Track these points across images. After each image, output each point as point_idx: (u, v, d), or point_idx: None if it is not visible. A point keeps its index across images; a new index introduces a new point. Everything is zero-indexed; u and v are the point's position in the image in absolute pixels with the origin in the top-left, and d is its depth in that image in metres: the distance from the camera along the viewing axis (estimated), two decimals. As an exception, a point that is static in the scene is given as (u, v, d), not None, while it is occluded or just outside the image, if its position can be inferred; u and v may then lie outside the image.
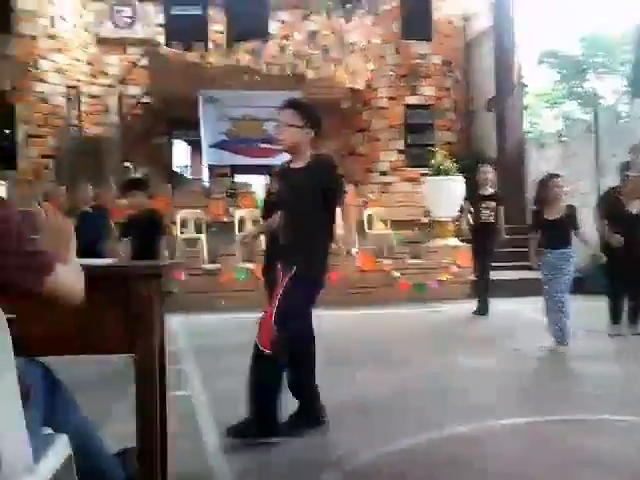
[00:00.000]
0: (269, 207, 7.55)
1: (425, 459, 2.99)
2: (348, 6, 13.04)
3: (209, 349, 5.77)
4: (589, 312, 6.40)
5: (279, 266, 3.36)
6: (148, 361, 1.97)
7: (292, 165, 3.34)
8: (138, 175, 10.68)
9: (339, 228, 3.42)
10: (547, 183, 5.53)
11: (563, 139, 11.89)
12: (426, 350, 5.67)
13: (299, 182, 3.25)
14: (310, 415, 3.35)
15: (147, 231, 5.23)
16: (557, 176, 5.61)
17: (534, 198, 5.76)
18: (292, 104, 3.31)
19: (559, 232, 5.39)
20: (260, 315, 3.29)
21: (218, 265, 8.94)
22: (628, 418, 3.48)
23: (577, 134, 11.39)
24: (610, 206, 6.19)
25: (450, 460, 2.95)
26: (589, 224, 6.60)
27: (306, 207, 3.21)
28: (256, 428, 3.11)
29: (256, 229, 7.68)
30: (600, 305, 6.22)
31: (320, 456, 3.06)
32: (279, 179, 3.54)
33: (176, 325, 6.95)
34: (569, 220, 5.43)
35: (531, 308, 7.06)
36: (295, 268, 3.15)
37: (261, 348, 3.10)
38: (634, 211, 6.04)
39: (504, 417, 3.56)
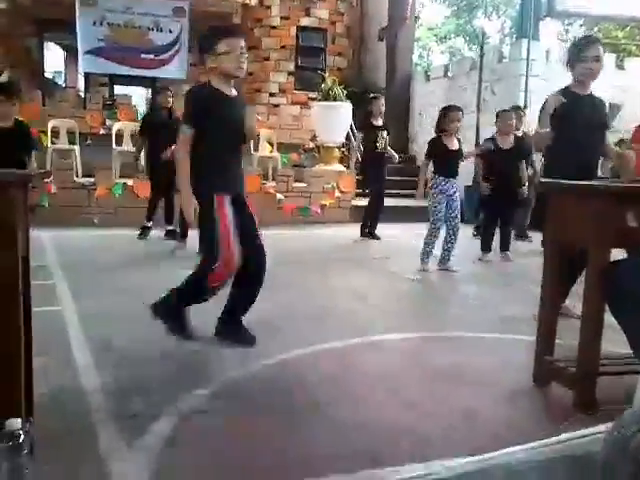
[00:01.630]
0: (149, 125, 7.20)
1: (295, 372, 3.05)
2: None
3: (82, 265, 5.49)
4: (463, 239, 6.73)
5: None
6: (10, 275, 1.82)
7: (227, 93, 3.31)
8: (3, 78, 9.71)
9: None
10: (449, 114, 5.66)
11: (449, 74, 12.15)
12: (309, 272, 5.73)
13: (238, 110, 3.33)
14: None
15: (12, 145, 4.78)
16: (458, 109, 5.78)
17: (435, 127, 5.84)
18: (242, 33, 3.51)
19: (456, 162, 5.70)
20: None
21: (92, 179, 8.44)
22: (487, 335, 3.74)
23: (462, 70, 11.67)
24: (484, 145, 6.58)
25: (320, 372, 3.04)
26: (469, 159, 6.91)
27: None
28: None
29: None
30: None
31: (194, 372, 3.03)
32: (210, 100, 3.29)
33: (47, 240, 6.54)
34: (461, 152, 5.77)
35: (411, 234, 7.35)
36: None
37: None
38: (505, 147, 6.37)
39: (376, 334, 3.70)
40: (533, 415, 2.64)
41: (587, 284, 2.73)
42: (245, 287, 3.39)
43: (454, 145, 5.69)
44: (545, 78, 9.44)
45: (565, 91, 4.10)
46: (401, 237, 7.93)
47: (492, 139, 6.51)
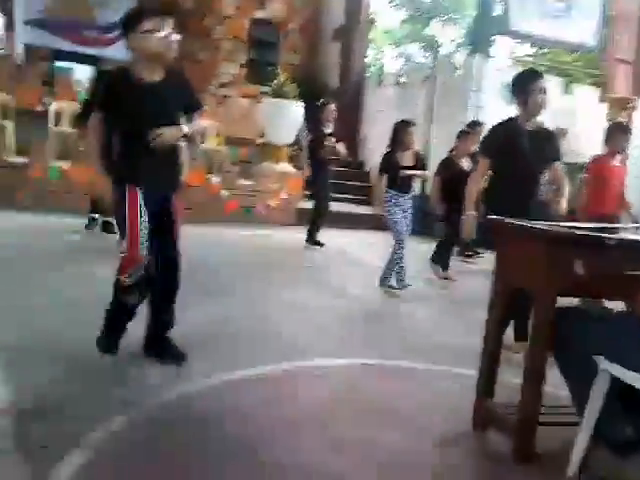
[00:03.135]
0: (89, 107, 6.82)
1: (218, 401, 2.90)
2: None
3: (4, 256, 5.15)
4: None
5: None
6: None
7: (146, 77, 3.05)
8: None
9: None
10: (404, 129, 5.59)
11: (402, 80, 12.16)
12: (248, 278, 5.57)
13: (158, 97, 3.06)
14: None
15: None
16: (412, 124, 5.69)
17: (389, 141, 5.74)
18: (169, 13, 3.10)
19: (410, 178, 5.65)
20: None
21: (26, 160, 7.98)
22: (427, 366, 3.67)
23: (415, 79, 11.70)
24: (444, 166, 6.49)
25: (245, 402, 2.89)
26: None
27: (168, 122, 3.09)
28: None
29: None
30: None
31: (114, 394, 2.83)
32: (123, 85, 3.06)
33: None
34: (420, 167, 5.73)
35: (358, 243, 7.26)
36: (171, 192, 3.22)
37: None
38: (465, 168, 6.29)
39: (312, 358, 3.58)
40: (467, 465, 2.59)
41: (532, 330, 2.71)
42: (157, 302, 3.23)
43: (408, 161, 5.63)
44: (493, 95, 9.53)
45: (510, 123, 4.06)
46: (347, 245, 7.84)
47: (447, 159, 6.51)
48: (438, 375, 3.57)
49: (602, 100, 10.04)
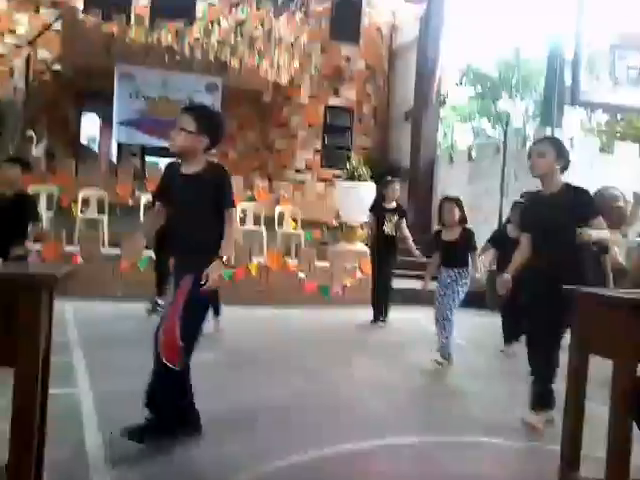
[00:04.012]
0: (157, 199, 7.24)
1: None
2: (280, 1, 12.89)
3: (102, 341, 5.51)
4: (484, 327, 6.63)
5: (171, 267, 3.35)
6: (28, 382, 1.81)
7: (183, 170, 3.26)
8: (40, 149, 10.07)
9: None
10: (442, 206, 5.67)
11: (473, 155, 12.32)
12: (325, 356, 5.68)
13: (190, 189, 3.19)
14: (187, 423, 3.26)
15: (13, 216, 4.84)
16: (449, 200, 5.69)
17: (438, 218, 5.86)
18: (189, 109, 3.27)
19: (453, 253, 5.57)
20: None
21: (118, 251, 8.56)
22: (504, 441, 3.58)
23: (486, 153, 11.83)
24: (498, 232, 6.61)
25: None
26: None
27: (198, 213, 3.19)
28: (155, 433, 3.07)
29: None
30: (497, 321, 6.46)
31: (194, 472, 2.95)
32: (170, 177, 3.35)
33: (71, 313, 6.61)
34: (464, 242, 5.60)
35: (428, 318, 7.22)
36: (194, 275, 3.08)
37: (168, 364, 3.02)
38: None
39: (391, 436, 3.59)
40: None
41: (612, 400, 2.65)
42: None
43: (449, 236, 5.62)
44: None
45: (532, 193, 4.08)
46: (417, 322, 7.80)
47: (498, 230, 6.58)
48: (519, 451, 3.50)
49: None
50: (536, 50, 17.86)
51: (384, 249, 7.53)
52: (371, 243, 7.71)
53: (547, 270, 3.71)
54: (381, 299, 7.64)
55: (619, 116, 15.28)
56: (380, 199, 7.75)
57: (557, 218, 3.77)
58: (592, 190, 4.24)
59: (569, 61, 10.37)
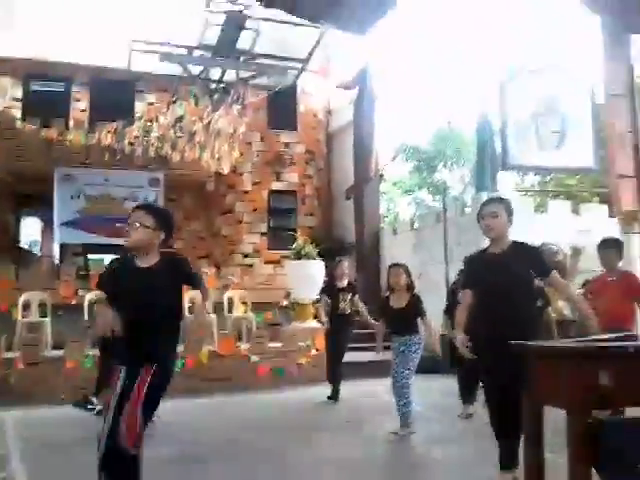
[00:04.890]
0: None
1: None
2: (215, 96, 13.24)
3: (43, 451, 5.16)
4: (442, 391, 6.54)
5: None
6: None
7: (139, 264, 3.30)
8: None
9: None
10: (388, 272, 5.72)
11: (415, 226, 12.59)
12: (285, 440, 5.47)
13: (151, 281, 3.24)
14: None
15: None
16: (396, 265, 5.73)
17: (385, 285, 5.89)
18: (144, 207, 3.44)
19: (404, 320, 5.54)
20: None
21: (62, 352, 8.21)
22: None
23: (427, 222, 12.12)
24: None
25: None
26: (439, 310, 6.89)
27: (162, 307, 3.24)
28: None
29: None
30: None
31: None
32: (123, 270, 3.34)
33: (10, 422, 6.22)
34: (413, 309, 5.57)
35: (385, 389, 7.12)
36: (157, 364, 3.18)
37: (128, 449, 3.01)
38: None
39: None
40: None
41: (569, 449, 2.62)
42: None
43: (397, 303, 5.62)
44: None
45: (480, 253, 4.05)
46: (376, 394, 7.68)
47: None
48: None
49: (611, 215, 10.24)
50: (466, 121, 18.77)
51: (340, 327, 7.54)
52: (327, 323, 7.68)
53: (496, 329, 3.66)
54: (337, 377, 7.56)
55: (549, 177, 16.02)
56: (331, 279, 7.86)
57: (508, 275, 3.75)
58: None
59: (497, 130, 10.88)
